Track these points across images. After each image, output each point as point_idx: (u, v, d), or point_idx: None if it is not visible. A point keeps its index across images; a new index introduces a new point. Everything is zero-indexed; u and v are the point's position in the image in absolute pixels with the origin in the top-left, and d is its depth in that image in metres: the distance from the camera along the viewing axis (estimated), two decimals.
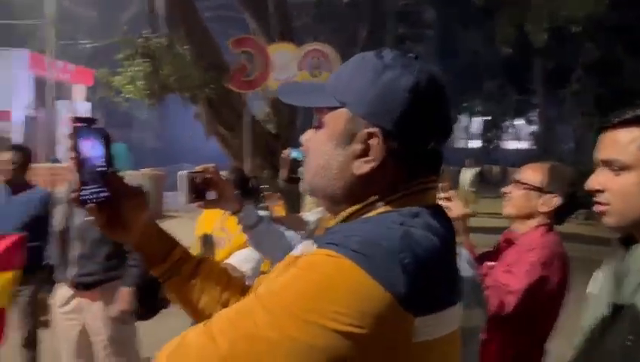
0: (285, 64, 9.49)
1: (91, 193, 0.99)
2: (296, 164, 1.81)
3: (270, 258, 1.74)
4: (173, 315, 3.02)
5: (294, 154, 1.80)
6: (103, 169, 1.01)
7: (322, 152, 0.85)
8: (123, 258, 2.88)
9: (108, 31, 21.73)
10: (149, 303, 2.87)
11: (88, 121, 1.05)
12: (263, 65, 9.40)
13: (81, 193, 0.98)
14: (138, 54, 10.29)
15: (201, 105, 10.46)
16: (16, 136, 14.41)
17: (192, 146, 22.27)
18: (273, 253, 1.63)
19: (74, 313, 2.92)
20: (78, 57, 23.01)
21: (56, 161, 13.19)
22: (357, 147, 0.81)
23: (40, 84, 18.71)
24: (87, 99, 22.96)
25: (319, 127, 0.86)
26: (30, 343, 3.48)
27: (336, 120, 0.83)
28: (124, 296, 2.84)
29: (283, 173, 1.89)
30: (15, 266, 2.86)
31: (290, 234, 1.67)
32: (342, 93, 0.83)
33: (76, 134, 1.01)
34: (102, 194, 0.99)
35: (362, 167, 0.81)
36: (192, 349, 0.72)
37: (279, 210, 3.70)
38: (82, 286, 2.87)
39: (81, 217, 2.81)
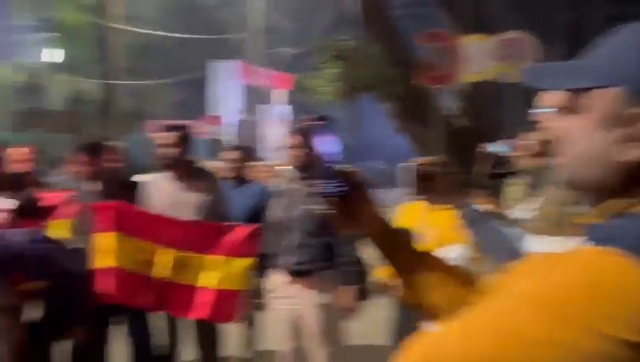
0: (478, 56, 9.14)
1: (331, 187, 1.05)
2: (499, 159, 1.72)
3: (490, 255, 1.68)
4: (372, 306, 3.14)
5: (492, 148, 1.72)
6: (338, 164, 1.06)
7: (582, 138, 0.76)
8: (335, 249, 3.04)
9: (306, 38, 23.17)
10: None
11: (323, 120, 1.11)
12: (454, 59, 9.17)
13: (322, 187, 1.04)
14: (332, 57, 10.81)
15: (391, 102, 10.60)
16: (229, 139, 16.16)
17: (380, 143, 22.64)
18: (494, 250, 1.58)
19: (287, 299, 3.13)
20: (280, 64, 24.97)
21: (259, 159, 14.52)
22: (629, 130, 0.72)
23: (249, 91, 20.84)
24: (288, 103, 24.84)
25: (568, 111, 0.79)
26: (249, 323, 3.88)
27: (602, 101, 0.74)
28: (346, 295, 2.99)
29: (481, 168, 1.82)
30: (251, 254, 3.18)
31: (511, 231, 1.60)
32: (610, 70, 0.74)
33: (313, 131, 1.08)
34: (340, 189, 1.05)
35: (636, 152, 0.71)
36: (451, 348, 0.67)
37: (490, 205, 3.58)
38: (296, 274, 3.08)
39: (298, 209, 3.04)
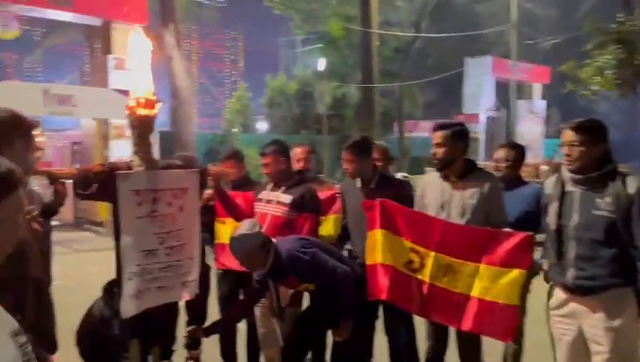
0: None
1: None
2: None
3: None
4: None
5: None
6: None
7: None
8: (630, 262, 2.55)
9: (567, 26, 21.12)
10: None
11: None
12: None
13: None
14: (607, 42, 9.58)
15: None
16: (482, 138, 15.61)
17: None
18: None
19: (569, 317, 2.74)
20: (535, 57, 23.29)
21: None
22: None
23: (500, 86, 19.87)
24: (542, 97, 22.99)
25: None
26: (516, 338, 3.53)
27: None
28: None
29: None
30: (524, 265, 2.82)
31: None
32: None
33: None
34: None
35: None
36: None
37: None
38: (580, 291, 2.67)
39: (578, 215, 2.62)
